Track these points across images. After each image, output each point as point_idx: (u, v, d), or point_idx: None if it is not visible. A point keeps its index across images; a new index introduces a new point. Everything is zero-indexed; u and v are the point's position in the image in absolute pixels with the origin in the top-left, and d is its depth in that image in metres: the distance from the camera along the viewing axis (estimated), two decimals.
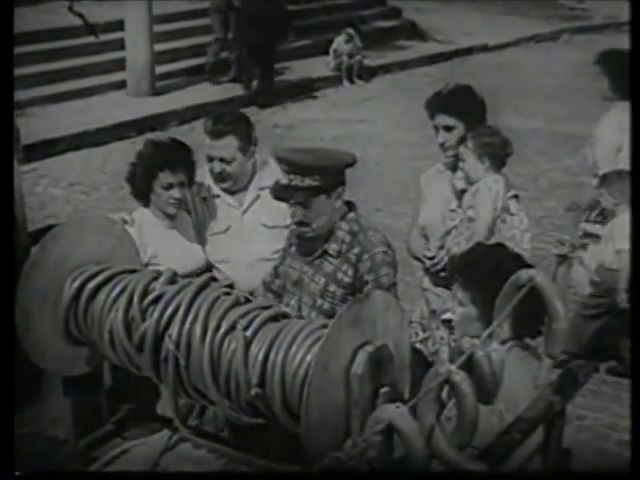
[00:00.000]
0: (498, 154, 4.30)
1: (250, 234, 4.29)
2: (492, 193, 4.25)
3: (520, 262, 3.22)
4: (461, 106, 4.39)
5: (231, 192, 4.30)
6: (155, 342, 2.80)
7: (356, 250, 3.55)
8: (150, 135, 6.97)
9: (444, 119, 4.39)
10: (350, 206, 3.69)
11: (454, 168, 4.42)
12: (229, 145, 4.17)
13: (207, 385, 2.72)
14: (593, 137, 6.23)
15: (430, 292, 4.52)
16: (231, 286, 2.97)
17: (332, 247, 3.60)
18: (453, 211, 4.41)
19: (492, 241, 4.23)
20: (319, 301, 3.63)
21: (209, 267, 4.23)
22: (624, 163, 5.49)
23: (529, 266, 3.27)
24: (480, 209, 4.26)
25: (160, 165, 4.00)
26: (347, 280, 3.56)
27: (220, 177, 4.23)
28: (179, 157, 4.07)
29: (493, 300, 2.88)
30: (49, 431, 3.17)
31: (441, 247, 4.39)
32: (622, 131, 5.59)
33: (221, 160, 4.19)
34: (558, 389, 2.85)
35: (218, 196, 4.32)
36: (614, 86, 5.92)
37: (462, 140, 4.34)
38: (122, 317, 2.86)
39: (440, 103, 4.43)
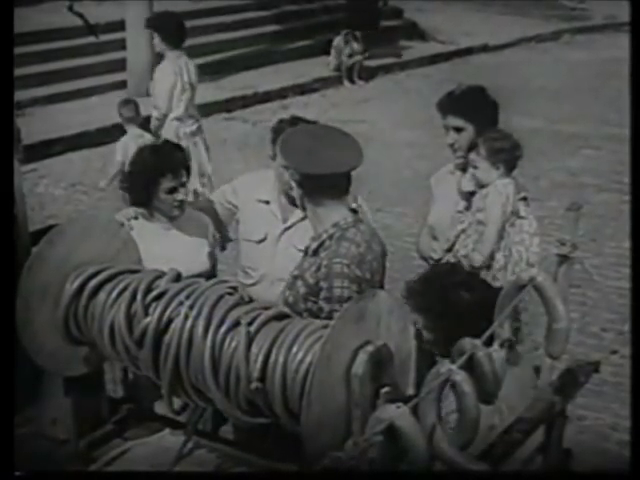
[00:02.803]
0: (510, 159, 4.29)
1: (281, 252, 4.24)
2: (502, 197, 4.23)
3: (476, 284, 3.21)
4: (472, 108, 4.37)
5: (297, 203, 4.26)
6: (156, 338, 2.80)
7: (323, 254, 3.48)
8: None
9: (454, 120, 4.37)
10: (353, 213, 3.58)
11: (464, 169, 4.40)
12: None
13: (207, 382, 2.72)
14: (152, 81, 7.82)
15: None
16: (235, 288, 2.97)
17: (312, 245, 3.57)
18: (460, 212, 4.40)
19: (502, 245, 4.24)
20: (287, 292, 3.62)
21: (213, 271, 4.22)
22: (177, 99, 7.55)
23: (487, 285, 3.28)
24: (490, 213, 4.25)
25: (162, 171, 3.97)
26: (311, 281, 3.49)
27: None
28: (178, 160, 4.05)
29: (447, 324, 2.88)
30: (49, 431, 3.17)
31: (448, 249, 4.38)
32: (174, 74, 7.52)
33: None
34: (559, 389, 2.85)
35: (268, 202, 4.27)
36: (165, 40, 7.53)
37: (472, 144, 4.32)
38: (124, 312, 2.87)
39: (451, 104, 4.42)
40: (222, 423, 3.81)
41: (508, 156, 4.27)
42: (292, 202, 4.20)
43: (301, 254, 4.15)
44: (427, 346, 3.18)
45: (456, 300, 3.02)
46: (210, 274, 4.14)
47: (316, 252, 3.51)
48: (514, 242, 4.24)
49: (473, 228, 4.32)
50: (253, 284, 4.19)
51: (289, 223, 4.23)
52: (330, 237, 3.47)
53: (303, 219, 4.21)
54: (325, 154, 3.45)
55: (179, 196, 4.01)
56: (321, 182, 3.43)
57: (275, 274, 4.19)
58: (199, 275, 4.04)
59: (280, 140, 3.54)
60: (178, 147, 4.12)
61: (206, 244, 4.21)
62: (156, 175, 3.97)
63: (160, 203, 4.02)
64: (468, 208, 4.37)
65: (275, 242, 4.23)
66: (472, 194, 4.37)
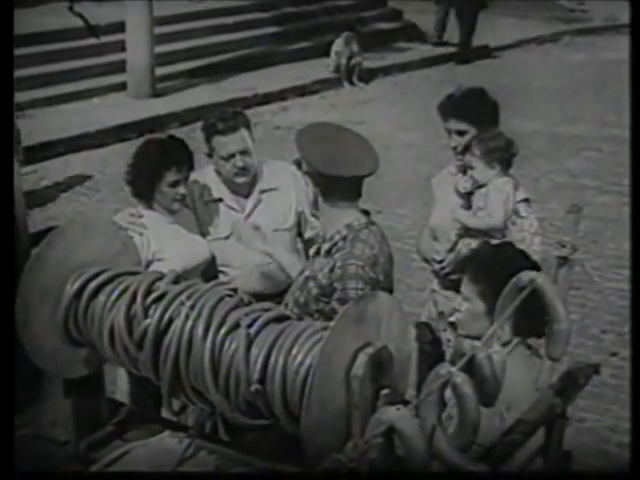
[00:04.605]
0: (506, 157, 4.29)
1: (250, 239, 4.30)
2: (503, 195, 4.24)
3: (528, 261, 3.23)
4: (473, 110, 4.38)
5: (243, 191, 4.30)
6: (155, 340, 2.80)
7: (337, 255, 3.52)
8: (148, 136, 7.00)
9: (456, 124, 4.37)
10: (364, 215, 3.63)
11: (465, 171, 4.41)
12: (244, 136, 4.21)
13: (207, 384, 2.72)
14: None
15: (438, 294, 4.52)
16: (234, 290, 2.98)
17: (325, 246, 3.59)
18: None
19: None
20: (297, 292, 3.64)
21: (213, 261, 4.25)
22: None
23: (536, 266, 3.27)
24: (491, 212, 4.26)
25: (167, 164, 4.01)
26: (323, 281, 3.54)
27: (243, 171, 4.23)
28: (183, 154, 4.09)
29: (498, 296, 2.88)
30: (49, 432, 3.16)
31: (450, 250, 4.39)
32: None
33: (242, 153, 4.20)
34: (559, 391, 2.85)
35: (221, 200, 4.32)
36: None
37: (466, 145, 4.33)
38: (124, 313, 2.86)
39: (452, 107, 4.42)
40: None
41: (503, 155, 4.28)
42: (235, 191, 4.28)
43: (272, 234, 4.23)
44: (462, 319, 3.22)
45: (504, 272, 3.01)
46: (208, 269, 4.18)
47: (329, 253, 3.53)
48: (515, 240, 4.25)
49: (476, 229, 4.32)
50: (231, 277, 4.22)
51: (247, 211, 4.34)
52: (343, 238, 3.50)
53: (259, 202, 4.28)
54: (346, 157, 3.50)
55: (181, 190, 4.04)
56: (339, 184, 3.46)
57: (252, 261, 4.28)
58: (202, 265, 4.10)
59: (298, 137, 3.55)
60: (182, 141, 4.15)
61: (199, 236, 4.26)
62: (161, 168, 4.00)
63: (161, 196, 4.06)
64: (467, 208, 4.38)
65: (241, 233, 4.31)
66: (470, 194, 4.38)
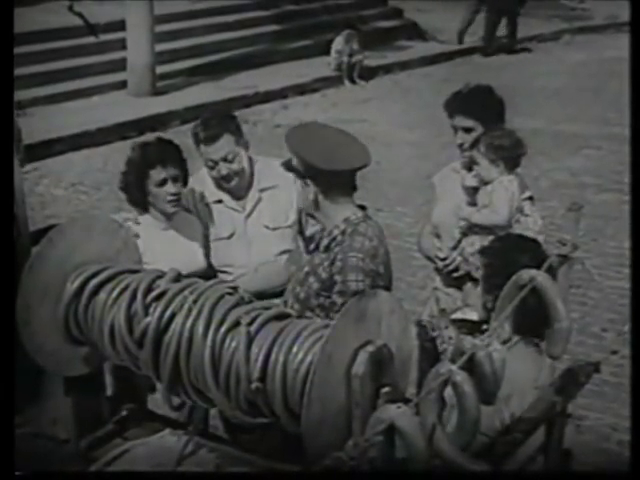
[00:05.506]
0: (511, 156, 4.28)
1: (253, 238, 4.30)
2: (508, 193, 4.23)
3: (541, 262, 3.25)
4: (480, 107, 4.37)
5: (236, 193, 4.30)
6: (156, 338, 2.80)
7: (337, 249, 3.53)
8: (144, 137, 6.96)
9: (463, 121, 4.36)
10: (361, 209, 3.64)
11: (471, 168, 4.40)
12: (227, 143, 4.17)
13: (207, 382, 2.72)
14: None
15: (440, 291, 4.52)
16: (235, 288, 2.97)
17: (324, 242, 3.61)
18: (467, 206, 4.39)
19: None
20: (298, 288, 3.66)
21: (209, 271, 4.23)
22: None
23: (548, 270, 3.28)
24: (496, 209, 4.25)
25: (150, 163, 3.99)
26: (324, 276, 3.56)
27: (228, 178, 4.22)
28: (167, 152, 4.06)
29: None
30: (50, 431, 3.17)
31: (454, 248, 4.38)
32: None
33: (224, 160, 4.18)
34: (559, 389, 2.85)
35: (221, 201, 4.32)
36: None
37: (474, 141, 4.32)
38: (125, 311, 2.86)
39: (459, 104, 4.41)
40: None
41: (508, 154, 4.26)
42: (232, 193, 4.28)
43: (274, 232, 4.22)
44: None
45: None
46: (206, 273, 4.16)
47: (328, 248, 3.55)
48: None
49: (479, 225, 4.31)
50: (234, 276, 4.22)
51: (248, 210, 4.32)
52: (342, 232, 3.53)
53: (259, 200, 4.28)
54: (338, 152, 3.53)
55: (171, 189, 4.01)
56: (335, 179, 3.49)
57: (256, 260, 4.28)
58: (195, 274, 4.08)
59: (288, 140, 3.56)
60: (169, 142, 4.14)
61: (199, 244, 4.23)
62: (145, 168, 4.00)
63: (154, 199, 4.04)
64: (472, 205, 4.37)
65: (244, 232, 4.30)
66: (475, 190, 4.37)
